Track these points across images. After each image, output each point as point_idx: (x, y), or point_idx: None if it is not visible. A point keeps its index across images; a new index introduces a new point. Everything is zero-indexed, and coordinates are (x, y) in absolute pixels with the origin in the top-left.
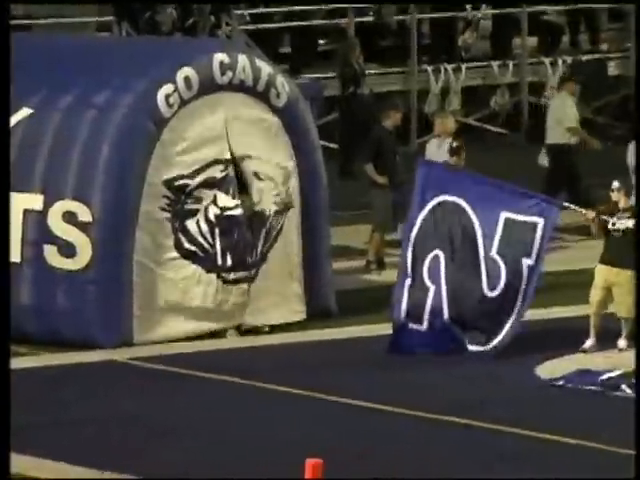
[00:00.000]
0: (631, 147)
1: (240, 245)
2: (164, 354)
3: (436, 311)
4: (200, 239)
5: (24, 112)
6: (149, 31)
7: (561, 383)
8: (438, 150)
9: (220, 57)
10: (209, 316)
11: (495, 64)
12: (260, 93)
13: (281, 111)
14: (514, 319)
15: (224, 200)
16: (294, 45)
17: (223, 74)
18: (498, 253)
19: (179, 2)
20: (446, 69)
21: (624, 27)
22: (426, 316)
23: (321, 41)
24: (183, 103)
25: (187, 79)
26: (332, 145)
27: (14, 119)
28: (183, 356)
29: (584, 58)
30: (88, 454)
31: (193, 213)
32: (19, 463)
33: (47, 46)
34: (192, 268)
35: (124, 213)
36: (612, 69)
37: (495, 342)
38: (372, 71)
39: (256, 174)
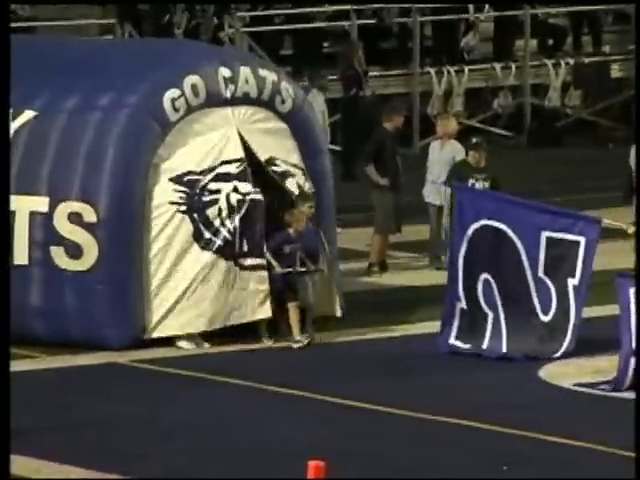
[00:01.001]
0: (634, 149)
1: (258, 233)
2: (167, 356)
3: (495, 340)
4: (220, 227)
5: (27, 115)
6: (153, 33)
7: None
8: (440, 152)
9: (222, 71)
10: (227, 308)
11: (498, 66)
12: (265, 102)
13: (287, 116)
14: (569, 340)
15: (244, 187)
16: (296, 47)
17: (226, 88)
18: (545, 273)
19: (180, 2)
20: (449, 71)
21: (627, 29)
22: (486, 340)
23: (323, 43)
24: (190, 109)
25: (194, 87)
26: (335, 147)
27: (18, 122)
28: (187, 358)
29: (587, 60)
30: (90, 456)
31: (214, 202)
32: (21, 465)
33: (51, 48)
34: (211, 258)
35: (130, 212)
36: (615, 71)
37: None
38: (375, 73)
39: (286, 173)
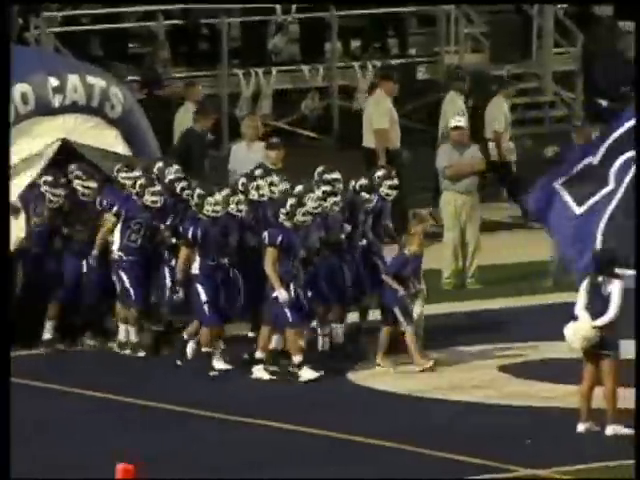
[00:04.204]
0: (441, 151)
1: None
2: None
3: None
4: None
5: None
6: None
7: None
8: (248, 153)
9: (50, 80)
10: None
11: (305, 68)
12: (95, 109)
13: (118, 122)
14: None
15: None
16: (104, 48)
17: (54, 97)
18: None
19: None
20: (257, 73)
21: (433, 32)
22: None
23: (131, 44)
24: (19, 118)
25: (24, 95)
26: None
27: None
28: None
29: (393, 62)
30: None
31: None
32: None
33: None
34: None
35: None
36: (421, 73)
37: None
38: (182, 75)
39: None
